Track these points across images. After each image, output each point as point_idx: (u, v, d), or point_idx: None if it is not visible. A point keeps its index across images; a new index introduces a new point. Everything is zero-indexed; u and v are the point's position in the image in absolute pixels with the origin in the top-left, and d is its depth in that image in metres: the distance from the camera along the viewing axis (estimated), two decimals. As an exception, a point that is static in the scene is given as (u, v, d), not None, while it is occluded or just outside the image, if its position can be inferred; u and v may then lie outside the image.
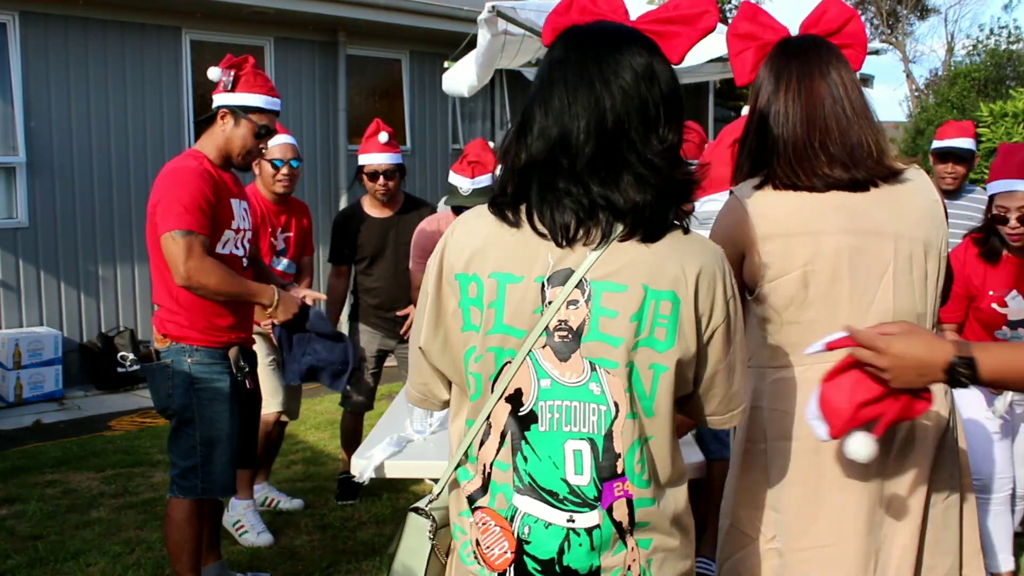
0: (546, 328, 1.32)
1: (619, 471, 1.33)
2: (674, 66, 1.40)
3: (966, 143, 4.21)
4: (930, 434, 1.77)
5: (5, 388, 6.22)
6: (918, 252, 1.73)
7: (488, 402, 1.37)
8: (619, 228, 1.31)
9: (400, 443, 2.60)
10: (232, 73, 2.94)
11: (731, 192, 1.80)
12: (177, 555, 2.90)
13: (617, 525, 1.34)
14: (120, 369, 6.69)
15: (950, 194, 4.17)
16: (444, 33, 8.22)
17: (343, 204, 8.12)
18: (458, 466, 1.43)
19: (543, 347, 1.33)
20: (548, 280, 1.32)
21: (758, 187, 1.76)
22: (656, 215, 1.32)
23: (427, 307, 1.43)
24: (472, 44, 5.54)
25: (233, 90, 2.94)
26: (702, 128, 4.16)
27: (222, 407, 2.90)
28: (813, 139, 1.71)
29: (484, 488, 1.39)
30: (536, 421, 1.34)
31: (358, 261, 4.21)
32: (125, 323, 6.96)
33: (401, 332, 4.14)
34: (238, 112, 2.93)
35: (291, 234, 4.01)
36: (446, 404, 1.52)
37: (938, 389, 1.79)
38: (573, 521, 1.34)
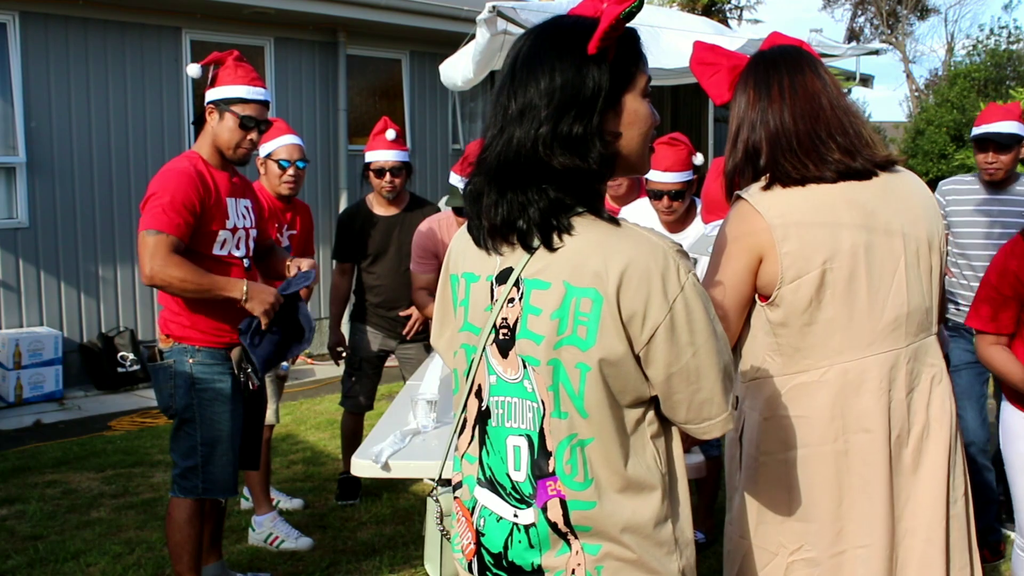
0: (493, 325, 1.35)
1: (550, 469, 1.32)
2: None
3: (1008, 127, 3.67)
4: (944, 431, 1.77)
5: (5, 388, 6.22)
6: (923, 247, 1.74)
7: (462, 397, 1.42)
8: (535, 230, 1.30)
9: (405, 438, 2.60)
10: (212, 69, 2.93)
11: (738, 196, 1.76)
12: (178, 555, 2.90)
13: (552, 525, 1.32)
14: (120, 369, 6.69)
15: (996, 185, 3.72)
16: (444, 33, 8.22)
17: (343, 204, 8.12)
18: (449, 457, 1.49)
19: (491, 344, 1.36)
20: (496, 279, 1.35)
21: (766, 187, 1.74)
22: (553, 214, 1.29)
23: (436, 306, 1.51)
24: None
25: (214, 84, 2.92)
26: (693, 134, 4.12)
27: (222, 407, 2.90)
28: (819, 130, 1.71)
29: (460, 479, 1.45)
30: (490, 416, 1.38)
31: (362, 259, 4.21)
32: (125, 323, 6.97)
33: (403, 332, 4.14)
34: (220, 105, 2.91)
35: (295, 232, 4.02)
36: None
37: (943, 385, 1.80)
38: (516, 516, 1.35)
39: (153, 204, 2.77)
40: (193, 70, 2.94)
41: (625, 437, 1.31)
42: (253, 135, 2.95)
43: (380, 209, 4.17)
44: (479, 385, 1.39)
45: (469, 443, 1.42)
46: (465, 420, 1.42)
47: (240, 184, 3.08)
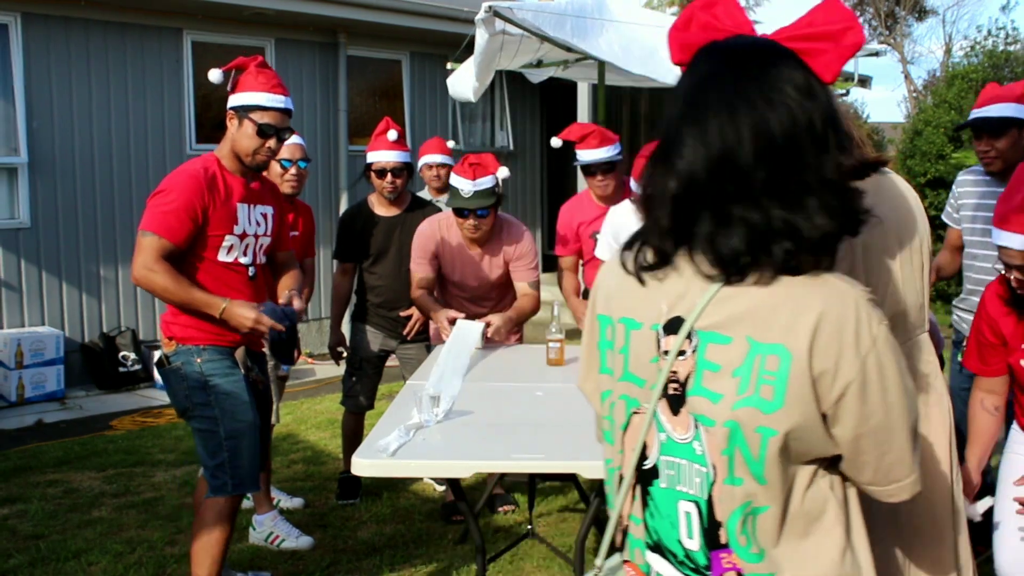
0: (666, 380, 1.24)
1: (722, 541, 1.21)
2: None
3: (1000, 110, 3.25)
4: (944, 430, 1.80)
5: (7, 388, 6.23)
6: (915, 243, 1.76)
7: (621, 453, 1.33)
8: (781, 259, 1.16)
9: (409, 432, 2.61)
10: (233, 74, 2.90)
11: None
12: (200, 559, 2.83)
13: None
14: (122, 369, 6.70)
15: (1002, 176, 3.25)
16: (444, 34, 8.23)
17: (344, 205, 8.13)
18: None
19: (660, 398, 1.25)
20: (663, 328, 1.25)
21: None
22: (829, 247, 1.18)
23: (583, 344, 1.42)
24: (472, 46, 5.56)
25: (234, 91, 2.91)
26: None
27: (240, 399, 2.88)
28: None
29: (624, 541, 1.35)
30: (657, 477, 1.28)
31: (363, 259, 4.23)
32: (127, 323, 6.98)
33: (404, 332, 4.15)
34: (240, 112, 2.89)
35: (297, 233, 4.03)
36: None
37: (939, 382, 1.82)
38: None
39: (156, 203, 2.79)
40: (215, 75, 2.91)
41: (801, 497, 1.21)
42: (272, 143, 2.92)
43: (381, 209, 4.18)
44: (644, 443, 1.28)
45: (632, 502, 1.32)
46: (622, 477, 1.32)
47: (260, 191, 3.04)
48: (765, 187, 1.16)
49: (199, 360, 2.86)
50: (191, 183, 2.80)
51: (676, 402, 1.23)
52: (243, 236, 2.94)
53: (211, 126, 7.38)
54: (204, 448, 2.89)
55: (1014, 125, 3.21)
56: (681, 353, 1.22)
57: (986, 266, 3.12)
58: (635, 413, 1.29)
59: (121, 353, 6.72)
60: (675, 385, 1.23)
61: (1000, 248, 2.21)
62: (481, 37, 5.31)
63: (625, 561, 1.35)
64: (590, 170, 4.06)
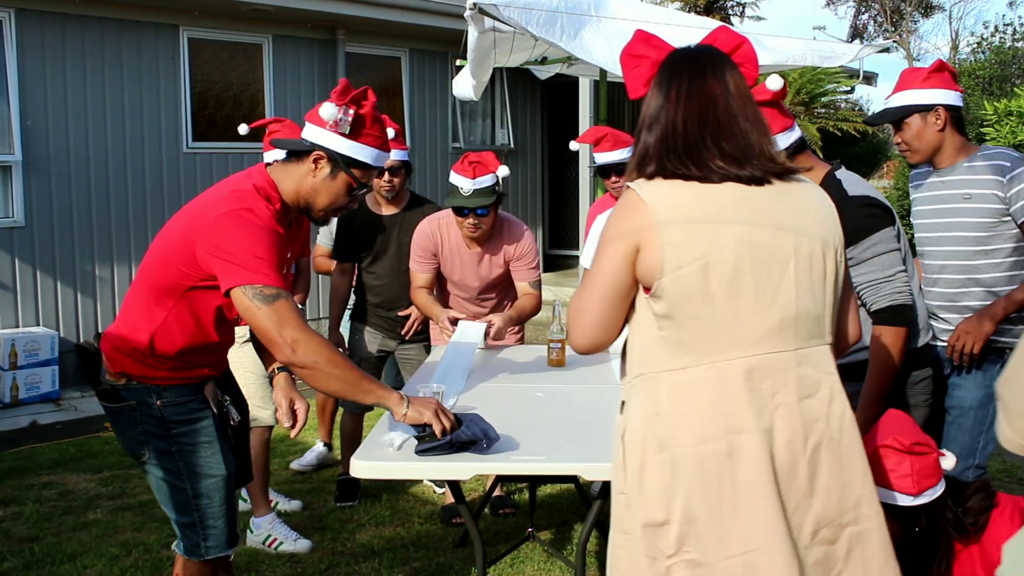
0: None
1: None
2: None
3: (903, 98, 2.90)
4: (844, 438, 1.72)
5: (1, 389, 6.18)
6: (817, 249, 1.72)
7: None
8: None
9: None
10: (351, 113, 2.32)
11: (627, 187, 1.77)
12: None
13: None
14: (118, 369, 6.64)
15: (941, 168, 2.94)
16: (444, 30, 8.19)
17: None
18: None
19: None
20: None
21: (650, 178, 1.74)
22: None
23: None
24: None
25: (348, 134, 2.34)
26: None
27: (210, 450, 2.39)
28: (704, 135, 1.71)
29: None
30: None
31: (362, 258, 4.18)
32: (123, 323, 6.92)
33: (402, 332, 4.10)
34: (339, 162, 2.34)
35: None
36: None
37: (843, 398, 1.76)
38: None
39: (245, 250, 2.18)
40: (328, 112, 2.29)
41: None
42: (354, 202, 2.47)
43: (380, 208, 4.13)
44: None
45: None
46: None
47: (291, 232, 2.51)
48: None
49: (159, 403, 2.35)
50: (271, 236, 2.25)
51: None
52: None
53: (207, 124, 7.33)
54: (169, 501, 2.40)
55: (913, 112, 2.87)
56: None
57: (934, 264, 2.98)
58: None
59: (118, 353, 6.66)
60: None
61: None
62: (472, 34, 5.26)
63: None
64: (605, 171, 4.18)
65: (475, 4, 4.75)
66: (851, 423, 1.74)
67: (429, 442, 2.32)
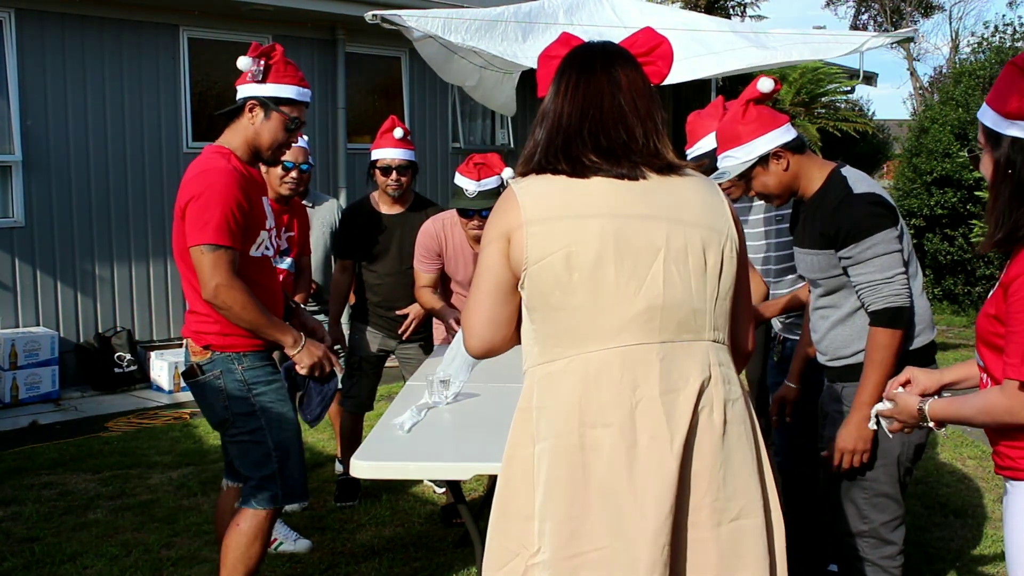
0: None
1: None
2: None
3: (703, 145, 3.23)
4: (727, 432, 1.68)
5: (1, 389, 6.18)
6: (695, 241, 1.68)
7: None
8: None
9: (421, 411, 2.75)
10: (262, 62, 2.73)
11: (508, 183, 1.80)
12: (233, 570, 2.69)
13: None
14: (117, 370, 6.64)
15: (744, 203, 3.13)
16: (444, 31, 8.16)
17: (342, 202, 8.08)
18: None
19: None
20: None
21: (524, 175, 1.75)
22: None
23: None
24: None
25: (263, 80, 2.74)
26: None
27: (286, 406, 2.76)
28: (583, 128, 1.71)
29: None
30: None
31: (363, 257, 4.17)
32: (122, 323, 6.92)
33: (399, 332, 4.10)
34: (268, 104, 2.73)
35: (293, 234, 3.99)
36: None
37: (737, 404, 1.72)
38: None
39: (202, 212, 2.59)
40: (244, 62, 2.72)
41: None
42: (295, 137, 2.84)
43: (383, 207, 4.13)
44: None
45: None
46: None
47: (262, 181, 2.95)
48: None
49: (241, 368, 2.70)
50: (231, 182, 2.62)
51: None
52: (270, 229, 2.84)
53: (208, 123, 7.33)
54: (247, 459, 2.73)
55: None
56: None
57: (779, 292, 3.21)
58: None
59: (117, 354, 6.66)
60: None
61: None
62: (419, 47, 5.22)
63: None
64: None
65: (375, 15, 4.64)
66: (738, 418, 1.69)
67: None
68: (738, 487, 1.67)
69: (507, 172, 3.70)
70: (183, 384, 4.30)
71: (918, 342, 2.50)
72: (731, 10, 14.61)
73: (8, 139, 6.38)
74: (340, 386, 3.00)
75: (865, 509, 2.52)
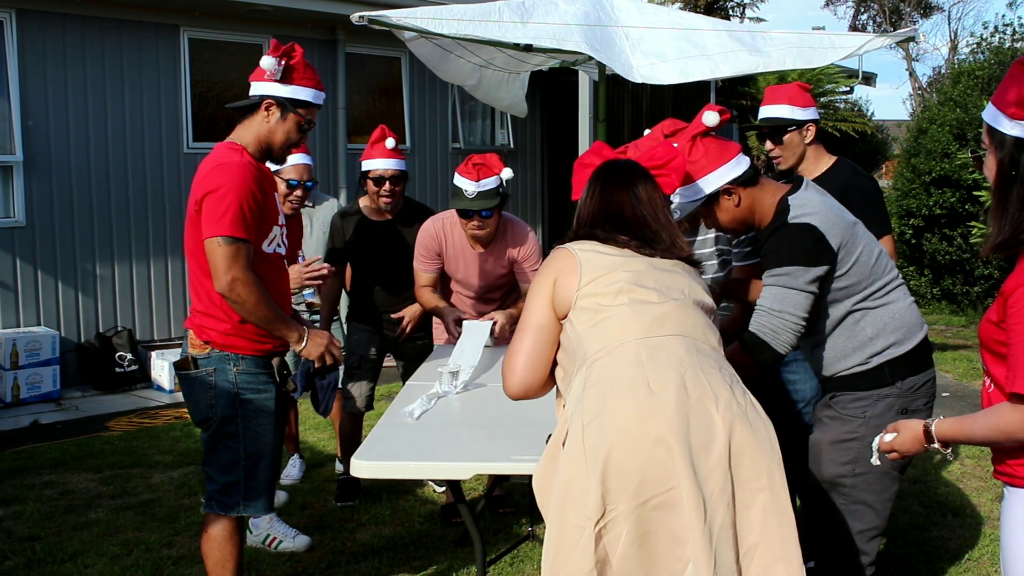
0: None
1: None
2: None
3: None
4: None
5: (2, 388, 6.19)
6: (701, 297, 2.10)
7: None
8: None
9: (431, 400, 2.84)
10: (283, 62, 2.73)
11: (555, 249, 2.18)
12: (218, 573, 2.76)
13: None
14: (118, 369, 6.65)
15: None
16: (444, 31, 8.16)
17: (342, 201, 8.08)
18: None
19: None
20: None
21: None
22: None
23: None
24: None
25: (283, 81, 2.74)
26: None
27: (267, 420, 2.75)
28: (608, 226, 2.12)
29: None
30: None
31: (355, 261, 4.18)
32: (123, 323, 6.93)
33: (395, 334, 4.11)
34: (286, 105, 2.74)
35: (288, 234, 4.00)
36: None
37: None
38: None
39: (216, 204, 2.58)
40: (266, 62, 2.71)
41: None
42: (304, 138, 2.88)
43: (373, 214, 4.13)
44: None
45: None
46: None
47: (273, 177, 2.98)
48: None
49: (235, 370, 2.70)
50: (247, 176, 2.63)
51: None
52: (281, 225, 2.85)
53: (207, 124, 7.33)
54: (217, 462, 2.74)
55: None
56: None
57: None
58: None
59: (118, 353, 6.67)
60: None
61: None
62: (413, 47, 5.21)
63: None
64: None
65: (361, 16, 4.63)
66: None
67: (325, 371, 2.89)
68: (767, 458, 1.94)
69: (506, 172, 3.70)
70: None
71: (906, 346, 2.46)
72: (730, 11, 14.61)
73: (9, 139, 6.39)
74: (340, 383, 3.02)
75: (842, 515, 2.49)
